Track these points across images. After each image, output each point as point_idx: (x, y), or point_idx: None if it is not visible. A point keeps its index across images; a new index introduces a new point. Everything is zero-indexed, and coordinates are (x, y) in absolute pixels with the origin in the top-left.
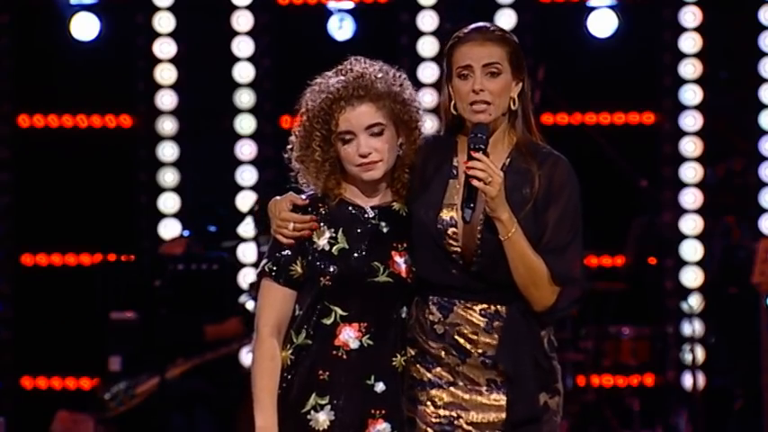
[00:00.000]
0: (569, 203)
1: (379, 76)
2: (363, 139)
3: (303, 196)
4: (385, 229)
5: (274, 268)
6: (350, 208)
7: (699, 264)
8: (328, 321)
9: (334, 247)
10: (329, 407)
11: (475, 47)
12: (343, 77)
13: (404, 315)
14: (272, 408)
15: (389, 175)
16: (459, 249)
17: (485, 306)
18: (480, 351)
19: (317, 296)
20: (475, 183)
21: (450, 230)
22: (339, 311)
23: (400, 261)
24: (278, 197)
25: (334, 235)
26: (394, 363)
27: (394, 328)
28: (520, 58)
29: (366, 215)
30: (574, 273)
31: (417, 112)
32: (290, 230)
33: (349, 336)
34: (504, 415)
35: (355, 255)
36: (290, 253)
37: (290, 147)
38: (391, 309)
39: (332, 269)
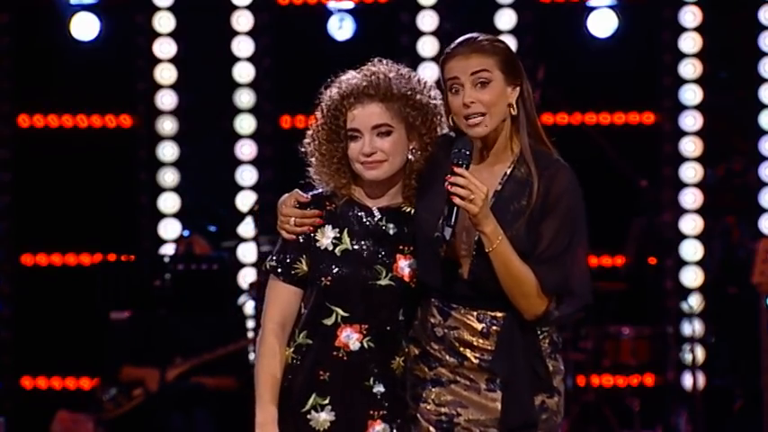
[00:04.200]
0: (566, 214)
1: (393, 76)
2: (369, 138)
3: (309, 193)
4: (391, 231)
5: (278, 266)
6: (356, 208)
7: (699, 264)
8: (329, 322)
9: (338, 248)
10: (330, 407)
11: (461, 60)
12: (359, 75)
13: (402, 317)
14: (272, 404)
15: (400, 178)
16: (456, 258)
17: (482, 311)
18: (477, 355)
19: (318, 296)
20: (456, 201)
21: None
22: (340, 312)
23: (404, 265)
24: (286, 195)
25: (338, 235)
26: (392, 365)
27: (395, 331)
28: (514, 64)
29: (372, 216)
30: (568, 283)
31: (432, 119)
32: (291, 225)
33: (350, 337)
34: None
35: (358, 257)
36: (294, 251)
37: (306, 141)
38: (393, 312)
39: (333, 270)
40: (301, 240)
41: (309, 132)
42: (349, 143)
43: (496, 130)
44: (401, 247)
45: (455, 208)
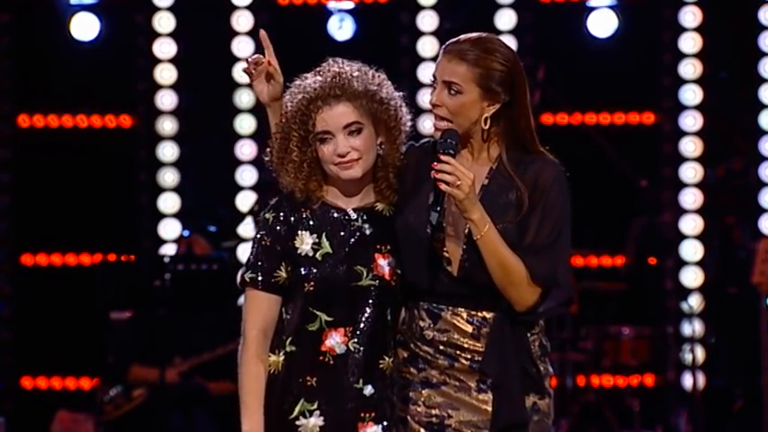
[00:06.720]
0: (553, 207)
1: (356, 74)
2: (341, 138)
3: (281, 197)
4: (368, 231)
5: (256, 277)
6: (332, 211)
7: (699, 264)
8: (313, 327)
9: (318, 253)
10: (318, 412)
11: (444, 61)
12: (320, 78)
13: (389, 317)
14: (258, 412)
15: (371, 174)
16: (446, 253)
17: (472, 312)
18: (468, 356)
19: (301, 302)
20: (443, 187)
21: (438, 234)
22: (324, 317)
23: (384, 264)
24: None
25: (317, 240)
26: (381, 365)
27: (380, 331)
28: (499, 81)
29: (349, 217)
30: (556, 275)
31: (397, 111)
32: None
33: (335, 341)
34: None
35: (339, 259)
36: (271, 260)
37: (268, 149)
38: (376, 312)
39: (316, 275)
40: (278, 249)
41: (275, 141)
42: (320, 146)
43: (470, 133)
44: (378, 246)
45: (442, 194)
